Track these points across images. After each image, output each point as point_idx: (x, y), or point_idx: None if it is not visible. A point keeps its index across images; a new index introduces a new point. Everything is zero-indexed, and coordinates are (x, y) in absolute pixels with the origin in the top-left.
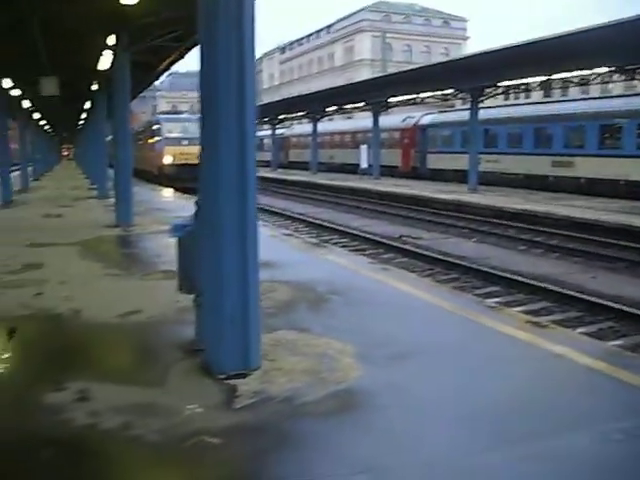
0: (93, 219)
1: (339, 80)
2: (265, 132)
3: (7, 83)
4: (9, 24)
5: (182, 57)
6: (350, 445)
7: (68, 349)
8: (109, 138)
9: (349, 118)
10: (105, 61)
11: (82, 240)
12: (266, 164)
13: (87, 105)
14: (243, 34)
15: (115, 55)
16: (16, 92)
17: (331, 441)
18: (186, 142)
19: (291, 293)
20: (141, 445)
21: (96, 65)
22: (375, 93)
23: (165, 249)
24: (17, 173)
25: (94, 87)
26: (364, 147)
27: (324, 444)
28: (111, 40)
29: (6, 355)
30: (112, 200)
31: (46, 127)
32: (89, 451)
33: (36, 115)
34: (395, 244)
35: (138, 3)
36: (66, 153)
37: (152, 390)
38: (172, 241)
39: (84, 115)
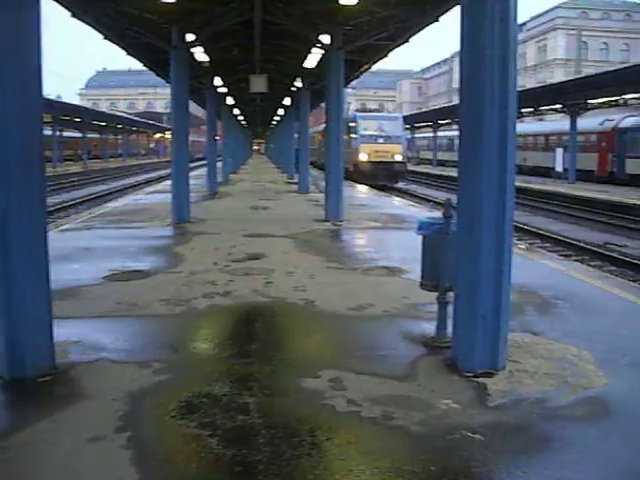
0: (300, 213)
1: (530, 81)
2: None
3: (218, 81)
4: (233, 26)
5: (386, 55)
6: (614, 453)
7: (311, 337)
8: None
9: (540, 120)
10: (312, 59)
11: (295, 233)
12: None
13: (286, 101)
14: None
15: (327, 54)
16: (223, 89)
17: (593, 447)
18: (381, 140)
19: (516, 296)
20: (407, 435)
21: (302, 63)
22: (573, 95)
23: (380, 244)
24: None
25: (297, 84)
26: (560, 150)
27: (586, 449)
28: (325, 39)
29: (255, 344)
30: (313, 195)
31: (243, 122)
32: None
33: (236, 111)
34: (601, 251)
35: (356, 3)
36: (257, 147)
37: (403, 383)
38: (385, 237)
39: (280, 111)
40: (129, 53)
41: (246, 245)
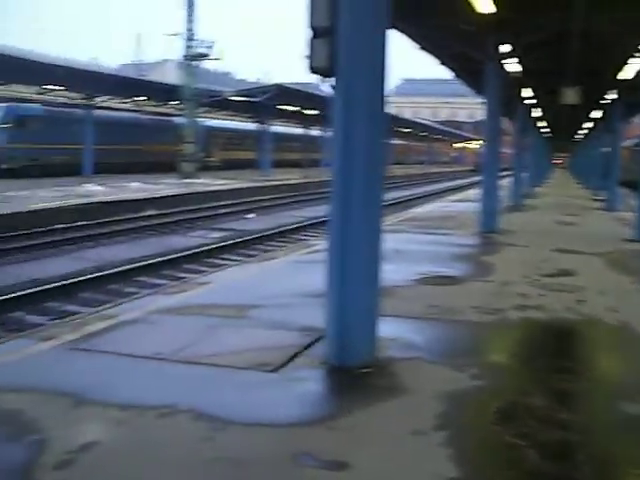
0: (608, 230)
1: None
2: None
3: (526, 92)
4: (547, 36)
5: None
6: None
7: (627, 360)
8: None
9: None
10: (630, 70)
11: (604, 251)
12: None
13: (595, 114)
14: None
15: None
16: (530, 101)
17: None
18: None
19: None
20: None
21: (616, 74)
22: None
23: None
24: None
25: (610, 96)
26: None
27: None
28: None
29: (568, 361)
30: (621, 213)
31: (547, 135)
32: None
33: (540, 123)
34: None
35: None
36: (558, 161)
37: None
38: None
39: (587, 124)
40: (443, 63)
41: (555, 260)
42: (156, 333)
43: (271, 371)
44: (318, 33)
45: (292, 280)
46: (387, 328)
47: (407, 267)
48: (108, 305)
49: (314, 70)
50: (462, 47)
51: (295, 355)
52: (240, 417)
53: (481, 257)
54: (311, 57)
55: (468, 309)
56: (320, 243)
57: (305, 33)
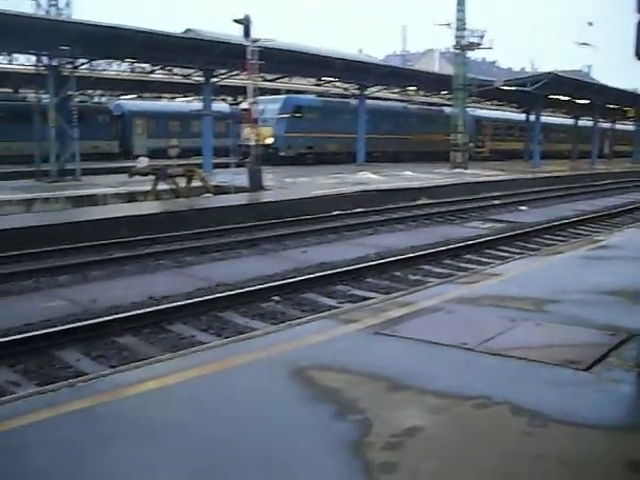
0: None
1: None
2: None
3: None
4: None
5: None
6: None
7: None
8: None
9: None
10: None
11: None
12: None
13: None
14: None
15: None
16: None
17: None
18: None
19: None
20: None
21: None
22: None
23: None
24: None
25: None
26: None
27: None
28: None
29: None
30: None
31: None
32: None
33: None
34: None
35: None
36: None
37: None
38: None
39: None
40: None
41: None
42: (456, 322)
43: (583, 370)
44: None
45: (584, 276)
46: None
47: None
48: (403, 292)
49: None
50: None
51: (605, 355)
52: (558, 414)
53: None
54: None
55: None
56: (606, 239)
57: (634, 17)
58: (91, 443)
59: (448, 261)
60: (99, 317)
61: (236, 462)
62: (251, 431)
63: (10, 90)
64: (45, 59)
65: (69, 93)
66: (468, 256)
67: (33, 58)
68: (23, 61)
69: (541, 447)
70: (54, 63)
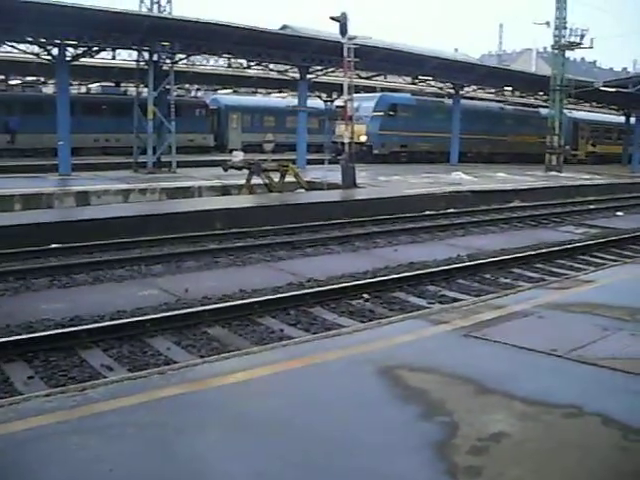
0: None
1: None
2: None
3: None
4: None
5: None
6: None
7: None
8: None
9: None
10: None
11: None
12: None
13: None
14: None
15: None
16: None
17: None
18: None
19: None
20: None
21: None
22: None
23: None
24: None
25: None
26: None
27: None
28: None
29: None
30: None
31: None
32: None
33: None
34: None
35: None
36: None
37: None
38: None
39: None
40: None
41: None
42: (547, 328)
43: None
44: None
45: None
46: None
47: None
48: (493, 295)
49: None
50: None
51: None
52: None
53: None
54: None
55: None
56: None
57: None
58: (185, 428)
59: (540, 265)
60: (191, 307)
61: (317, 458)
62: (335, 428)
63: (112, 84)
64: (146, 54)
65: (167, 87)
66: (561, 261)
67: (135, 53)
68: (125, 56)
69: (636, 463)
70: (154, 58)
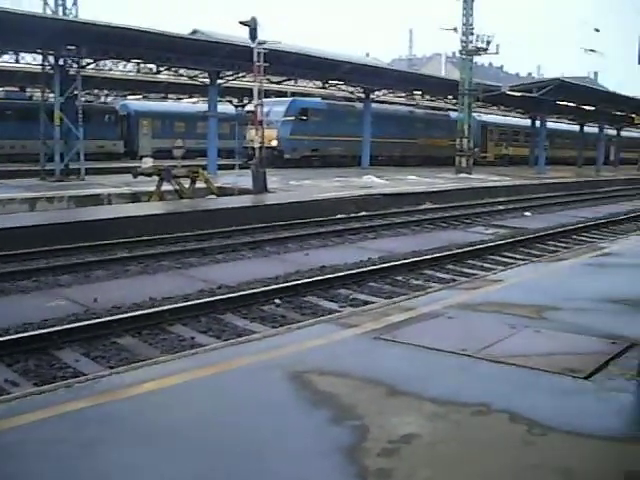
0: None
1: None
2: None
3: None
4: None
5: None
6: None
7: None
8: None
9: None
10: None
11: None
12: None
13: None
14: None
15: None
16: None
17: None
18: None
19: None
20: None
21: None
22: None
23: None
24: None
25: None
26: None
27: None
28: None
29: None
30: None
31: None
32: None
33: None
34: None
35: None
36: None
37: None
38: None
39: None
40: None
41: None
42: (457, 328)
43: (583, 378)
44: None
45: (587, 283)
46: None
47: None
48: (404, 297)
49: None
50: None
51: (606, 363)
52: (558, 424)
53: None
54: None
55: None
56: (610, 246)
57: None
58: (90, 444)
59: (451, 266)
60: (99, 317)
61: (228, 466)
62: (245, 435)
63: (16, 89)
64: (51, 58)
65: (75, 92)
66: (471, 261)
67: (39, 57)
68: (29, 60)
69: (540, 456)
70: (60, 62)
